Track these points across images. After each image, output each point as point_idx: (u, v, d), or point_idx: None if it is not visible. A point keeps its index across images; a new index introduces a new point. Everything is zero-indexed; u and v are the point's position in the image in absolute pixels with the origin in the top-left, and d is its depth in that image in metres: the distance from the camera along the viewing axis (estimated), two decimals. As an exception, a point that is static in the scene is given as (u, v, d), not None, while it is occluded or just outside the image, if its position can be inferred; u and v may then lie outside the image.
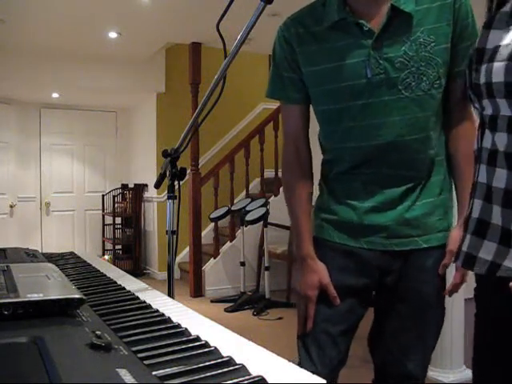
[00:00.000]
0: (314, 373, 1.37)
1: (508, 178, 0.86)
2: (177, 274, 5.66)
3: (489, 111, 0.90)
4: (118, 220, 6.31)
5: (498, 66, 0.84)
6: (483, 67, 0.89)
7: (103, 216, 6.47)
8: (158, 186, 1.60)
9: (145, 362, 0.65)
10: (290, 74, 1.32)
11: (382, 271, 1.30)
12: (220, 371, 0.64)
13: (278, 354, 0.74)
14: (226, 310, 4.50)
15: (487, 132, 0.91)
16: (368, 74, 1.21)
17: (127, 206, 6.25)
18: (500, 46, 0.85)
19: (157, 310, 0.95)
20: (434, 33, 1.20)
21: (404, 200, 1.27)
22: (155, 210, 5.97)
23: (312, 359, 1.32)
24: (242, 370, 0.65)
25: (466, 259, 0.97)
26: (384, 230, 1.27)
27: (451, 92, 1.28)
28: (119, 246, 6.32)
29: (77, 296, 0.82)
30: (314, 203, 1.42)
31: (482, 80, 0.89)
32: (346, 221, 1.31)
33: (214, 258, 5.12)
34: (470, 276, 1.14)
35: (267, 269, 4.62)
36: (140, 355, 0.67)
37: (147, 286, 1.26)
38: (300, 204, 1.37)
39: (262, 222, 4.59)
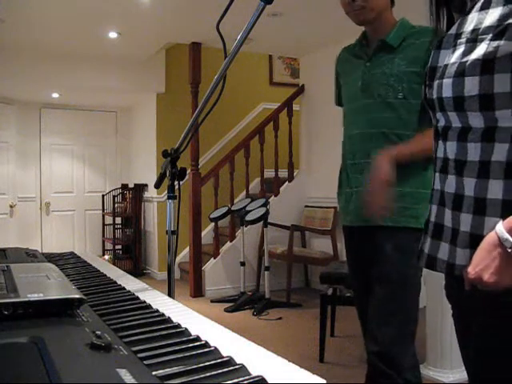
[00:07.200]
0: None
1: (457, 183, 0.94)
2: (177, 274, 5.66)
3: (442, 123, 0.99)
4: (118, 220, 6.30)
5: (447, 82, 0.94)
6: (435, 83, 0.98)
7: (103, 216, 6.47)
8: (158, 186, 1.60)
9: (145, 362, 0.65)
10: (339, 87, 1.88)
11: (357, 246, 1.73)
12: (220, 371, 0.64)
13: (278, 354, 0.74)
14: (226, 310, 4.50)
15: (440, 142, 1.00)
16: (360, 84, 1.69)
17: (127, 206, 6.25)
18: (448, 64, 0.95)
19: (157, 310, 0.95)
20: (409, 59, 1.61)
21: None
22: (155, 210, 5.97)
23: None
24: (242, 369, 0.65)
25: (428, 261, 1.04)
26: (352, 210, 1.69)
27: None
28: (119, 246, 6.32)
29: (77, 296, 0.82)
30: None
31: (434, 95, 0.98)
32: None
33: (214, 258, 5.12)
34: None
35: (267, 269, 4.61)
36: (140, 355, 0.67)
37: (147, 286, 1.26)
38: None
39: (261, 222, 4.58)
